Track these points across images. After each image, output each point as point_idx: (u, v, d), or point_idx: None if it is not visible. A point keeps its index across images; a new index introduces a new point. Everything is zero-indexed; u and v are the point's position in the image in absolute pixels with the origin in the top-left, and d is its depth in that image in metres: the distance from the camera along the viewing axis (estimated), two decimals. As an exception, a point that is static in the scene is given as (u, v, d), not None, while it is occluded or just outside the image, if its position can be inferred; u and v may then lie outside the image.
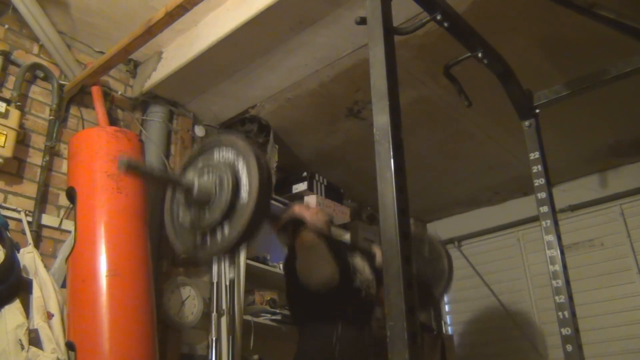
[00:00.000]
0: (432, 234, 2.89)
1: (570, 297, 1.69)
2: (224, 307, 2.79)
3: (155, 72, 2.91)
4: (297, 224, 2.04)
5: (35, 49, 2.67)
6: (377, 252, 2.37)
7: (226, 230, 1.55)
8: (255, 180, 1.51)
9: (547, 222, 1.80)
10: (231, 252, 1.62)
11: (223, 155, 1.64)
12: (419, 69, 2.83)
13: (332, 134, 3.50)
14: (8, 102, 2.39)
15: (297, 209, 2.09)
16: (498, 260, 4.40)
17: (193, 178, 1.61)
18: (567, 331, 1.64)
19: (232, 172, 1.56)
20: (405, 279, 0.99)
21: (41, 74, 2.63)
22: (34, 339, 2.00)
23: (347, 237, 3.61)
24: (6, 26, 2.57)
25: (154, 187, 2.47)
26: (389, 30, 1.24)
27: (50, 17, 2.63)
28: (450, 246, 4.71)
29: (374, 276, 2.20)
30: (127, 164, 1.50)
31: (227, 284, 2.84)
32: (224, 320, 2.75)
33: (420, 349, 0.96)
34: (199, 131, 3.18)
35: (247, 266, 2.95)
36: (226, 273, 2.87)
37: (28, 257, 2.19)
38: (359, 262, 2.22)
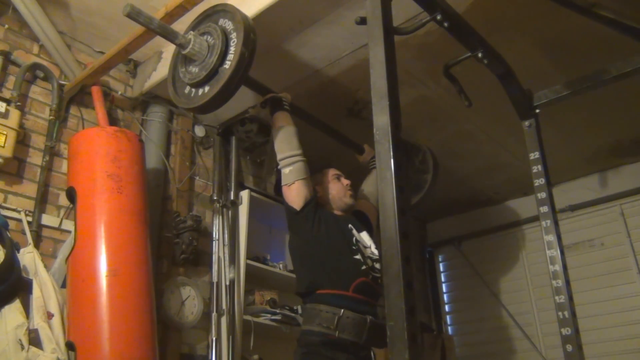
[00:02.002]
0: (429, 148, 2.94)
1: (570, 297, 1.69)
2: (224, 307, 2.78)
3: (155, 72, 2.90)
4: (276, 103, 2.24)
5: (35, 49, 2.67)
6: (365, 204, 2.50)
7: (207, 89, 1.88)
8: (238, 52, 1.80)
9: (547, 222, 1.80)
10: (207, 110, 1.99)
11: (224, 23, 1.93)
12: (419, 69, 2.83)
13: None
14: (8, 102, 2.39)
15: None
16: (498, 260, 4.40)
17: (191, 37, 1.89)
18: (567, 331, 1.64)
19: (225, 40, 1.86)
20: (405, 279, 0.99)
21: (41, 74, 2.63)
22: (34, 339, 2.00)
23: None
24: (6, 26, 2.57)
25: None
26: (389, 30, 1.24)
27: (50, 17, 2.63)
28: (450, 246, 4.72)
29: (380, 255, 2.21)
30: (129, 12, 1.73)
31: (227, 284, 2.84)
32: (224, 320, 2.75)
33: (420, 349, 0.96)
34: (199, 131, 3.18)
35: (247, 266, 2.95)
36: (226, 273, 2.87)
37: (28, 257, 2.19)
38: (366, 239, 2.23)
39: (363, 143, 2.74)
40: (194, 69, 1.92)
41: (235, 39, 1.84)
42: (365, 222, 2.36)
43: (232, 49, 1.84)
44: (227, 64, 1.82)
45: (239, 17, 1.87)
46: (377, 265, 2.15)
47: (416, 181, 2.84)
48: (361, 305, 2.00)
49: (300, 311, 3.06)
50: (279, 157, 2.13)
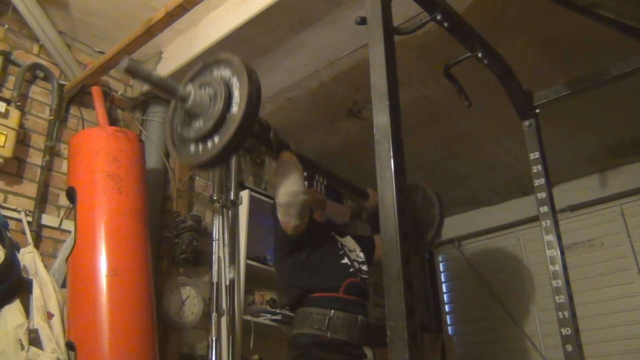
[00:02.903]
0: (424, 184, 2.93)
1: (570, 297, 1.69)
2: (224, 307, 2.78)
3: (155, 72, 2.91)
4: (282, 146, 2.14)
5: (35, 49, 2.67)
6: (377, 240, 2.45)
7: (216, 139, 1.72)
8: (245, 93, 1.67)
9: (547, 222, 1.80)
10: (219, 161, 1.79)
11: (220, 72, 1.80)
12: (419, 69, 2.83)
13: (332, 134, 3.50)
14: (8, 102, 2.39)
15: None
16: (498, 260, 4.39)
17: (190, 90, 1.76)
18: (567, 331, 1.64)
19: (226, 86, 1.73)
20: (405, 279, 0.99)
21: (41, 74, 2.63)
22: (34, 339, 2.01)
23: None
24: (6, 26, 2.57)
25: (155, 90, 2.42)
26: (389, 30, 1.24)
27: (50, 17, 2.63)
28: (450, 246, 4.72)
29: (365, 259, 2.25)
30: (128, 66, 1.61)
31: (227, 284, 2.84)
32: (224, 320, 2.75)
33: (420, 349, 0.96)
34: (199, 131, 3.17)
35: (247, 266, 2.95)
36: (226, 273, 2.87)
37: (28, 257, 2.19)
38: (350, 243, 2.27)
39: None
40: (197, 124, 1.76)
41: (237, 82, 1.72)
42: (366, 244, 2.38)
43: (236, 93, 1.71)
44: (235, 108, 1.69)
45: (236, 61, 1.75)
46: (365, 267, 2.20)
47: (426, 218, 2.80)
48: (352, 305, 2.01)
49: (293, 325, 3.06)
50: (282, 190, 2.00)
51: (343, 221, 3.68)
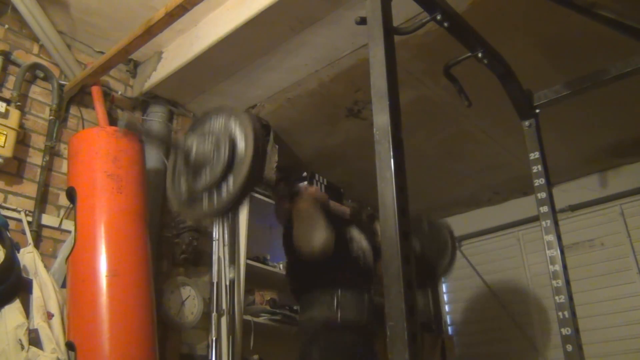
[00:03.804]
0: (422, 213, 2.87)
1: (570, 297, 1.69)
2: (224, 307, 2.79)
3: (155, 72, 2.91)
4: (296, 194, 2.10)
5: (35, 49, 2.67)
6: (378, 227, 2.42)
7: (230, 180, 1.65)
8: (250, 135, 1.63)
9: (547, 222, 1.80)
10: (237, 203, 1.69)
11: (219, 122, 1.75)
12: (419, 69, 2.83)
13: (332, 134, 3.50)
14: (8, 102, 2.39)
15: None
16: (498, 260, 4.39)
17: (192, 142, 1.71)
18: (567, 331, 1.64)
19: (228, 134, 1.69)
20: (405, 279, 0.99)
21: (41, 74, 2.63)
22: (34, 339, 2.00)
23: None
24: (6, 26, 2.57)
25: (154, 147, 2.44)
26: (389, 30, 1.24)
27: (50, 17, 2.63)
28: (450, 246, 4.72)
29: (370, 247, 2.25)
30: (127, 123, 1.60)
31: (227, 284, 2.84)
32: (224, 320, 2.76)
33: (420, 349, 0.96)
34: (199, 131, 3.17)
35: (247, 266, 2.95)
36: (226, 273, 2.87)
37: (28, 257, 2.19)
38: (356, 234, 2.27)
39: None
40: (205, 175, 1.71)
41: (235, 123, 1.71)
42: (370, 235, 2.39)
43: (238, 133, 1.68)
44: (241, 145, 1.66)
45: (226, 106, 1.75)
46: (370, 256, 2.21)
47: (434, 246, 2.73)
48: (356, 284, 2.02)
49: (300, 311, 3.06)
50: (311, 243, 1.93)
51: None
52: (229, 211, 1.79)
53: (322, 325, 1.91)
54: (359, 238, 2.27)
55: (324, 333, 1.90)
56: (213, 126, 1.75)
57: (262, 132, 1.67)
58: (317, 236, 1.92)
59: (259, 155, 1.63)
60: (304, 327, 1.98)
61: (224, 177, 1.65)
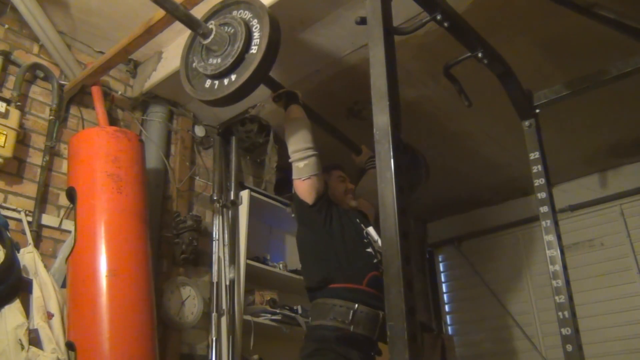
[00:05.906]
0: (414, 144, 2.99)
1: (570, 297, 1.69)
2: (224, 307, 2.78)
3: (155, 72, 2.91)
4: (291, 97, 2.19)
5: (35, 49, 2.67)
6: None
7: (233, 77, 1.77)
8: (266, 35, 1.73)
9: (547, 222, 1.80)
10: (233, 100, 1.84)
11: (241, 13, 1.88)
12: (419, 69, 2.83)
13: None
14: (8, 102, 2.39)
15: None
16: (498, 260, 4.40)
17: (213, 26, 1.82)
18: (567, 331, 1.64)
19: (247, 27, 1.79)
20: (405, 279, 0.99)
21: (41, 74, 2.63)
22: (34, 339, 2.00)
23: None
24: (6, 26, 2.57)
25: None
26: (389, 30, 1.24)
27: (50, 17, 2.63)
28: (450, 246, 4.72)
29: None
30: None
31: (227, 284, 2.84)
32: (224, 320, 2.75)
33: (420, 349, 0.96)
34: (199, 131, 3.18)
35: (247, 266, 2.95)
36: (226, 273, 2.87)
37: (28, 257, 2.19)
38: (373, 233, 2.23)
39: (363, 143, 2.74)
40: (214, 60, 1.83)
41: (257, 25, 1.79)
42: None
43: (256, 35, 1.78)
44: (254, 49, 1.76)
45: (257, 3, 1.83)
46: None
47: (413, 179, 2.89)
48: (374, 299, 1.96)
49: (300, 311, 3.06)
50: (292, 149, 2.06)
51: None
52: (226, 103, 1.92)
53: (333, 336, 1.88)
54: (376, 238, 2.22)
55: (332, 346, 1.87)
56: (233, 17, 1.85)
57: (278, 39, 1.75)
58: (300, 139, 2.05)
59: (268, 60, 1.72)
60: (313, 334, 1.95)
61: (231, 69, 1.76)
